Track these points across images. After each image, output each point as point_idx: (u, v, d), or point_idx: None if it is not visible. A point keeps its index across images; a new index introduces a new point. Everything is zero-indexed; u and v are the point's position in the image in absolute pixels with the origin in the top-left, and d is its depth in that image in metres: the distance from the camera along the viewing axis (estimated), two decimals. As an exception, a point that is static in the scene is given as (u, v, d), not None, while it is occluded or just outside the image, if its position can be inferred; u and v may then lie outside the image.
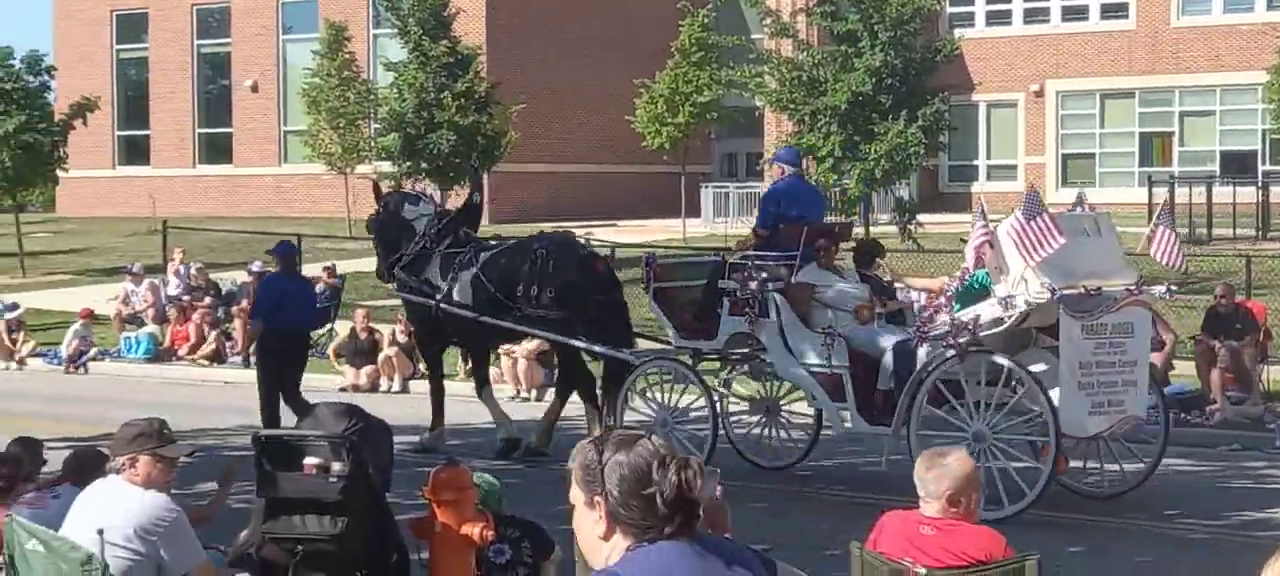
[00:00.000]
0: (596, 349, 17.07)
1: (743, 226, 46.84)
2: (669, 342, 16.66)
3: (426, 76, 37.55)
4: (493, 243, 18.53)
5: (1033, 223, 13.81)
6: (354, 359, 24.62)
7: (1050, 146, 50.11)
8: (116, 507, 7.65)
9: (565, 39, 52.79)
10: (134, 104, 57.48)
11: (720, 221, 47.36)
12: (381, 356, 24.36)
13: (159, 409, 18.63)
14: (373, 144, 41.37)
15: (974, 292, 14.71)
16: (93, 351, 26.76)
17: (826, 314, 15.37)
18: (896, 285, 16.50)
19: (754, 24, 43.69)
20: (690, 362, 16.18)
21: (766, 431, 17.02)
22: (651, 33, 49.57)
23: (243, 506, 12.86)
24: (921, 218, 32.42)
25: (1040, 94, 49.87)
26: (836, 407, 15.29)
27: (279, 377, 18.02)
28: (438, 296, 17.93)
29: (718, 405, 16.04)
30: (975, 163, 51.08)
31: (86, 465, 10.45)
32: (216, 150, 56.01)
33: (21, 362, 26.65)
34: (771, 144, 43.35)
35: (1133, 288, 14.54)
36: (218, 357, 26.55)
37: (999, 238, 14.17)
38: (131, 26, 57.28)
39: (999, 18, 50.47)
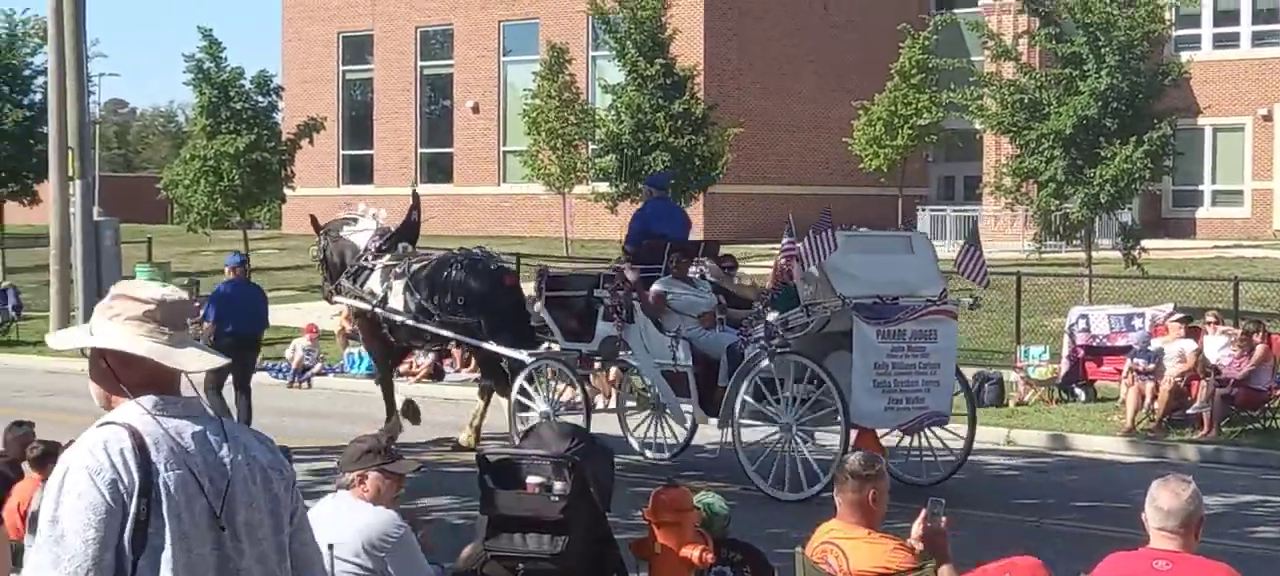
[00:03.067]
0: (498, 350, 18.91)
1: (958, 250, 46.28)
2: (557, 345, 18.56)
3: (643, 97, 37.73)
4: (422, 254, 20.34)
5: (818, 237, 15.79)
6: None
7: (1278, 171, 48.78)
8: (345, 524, 7.75)
9: (782, 60, 52.68)
10: (358, 124, 58.59)
11: (937, 244, 46.90)
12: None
13: (379, 424, 19.08)
14: (591, 164, 41.67)
15: (789, 300, 16.70)
16: (317, 367, 27.25)
17: (676, 319, 17.31)
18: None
19: (975, 46, 43.17)
20: (571, 362, 18.07)
21: (652, 426, 18.80)
22: (870, 55, 49.26)
23: (464, 523, 13.02)
24: (1145, 243, 31.72)
25: (1268, 118, 48.57)
26: (680, 402, 17.30)
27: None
28: (374, 302, 19.96)
29: (590, 399, 18.09)
30: (1199, 188, 49.93)
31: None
32: (438, 170, 56.85)
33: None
34: (990, 167, 42.80)
35: (934, 299, 16.27)
36: (436, 374, 26.85)
37: (801, 252, 15.99)
38: (357, 48, 58.42)
39: (1226, 41, 49.30)
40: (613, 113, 38.87)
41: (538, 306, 18.70)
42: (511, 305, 19.17)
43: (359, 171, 58.33)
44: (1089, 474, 18.29)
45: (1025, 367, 23.64)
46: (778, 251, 16.97)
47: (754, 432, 16.68)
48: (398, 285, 19.80)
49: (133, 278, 21.33)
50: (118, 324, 4.43)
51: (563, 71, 43.91)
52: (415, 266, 19.81)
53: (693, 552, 8.87)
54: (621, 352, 17.85)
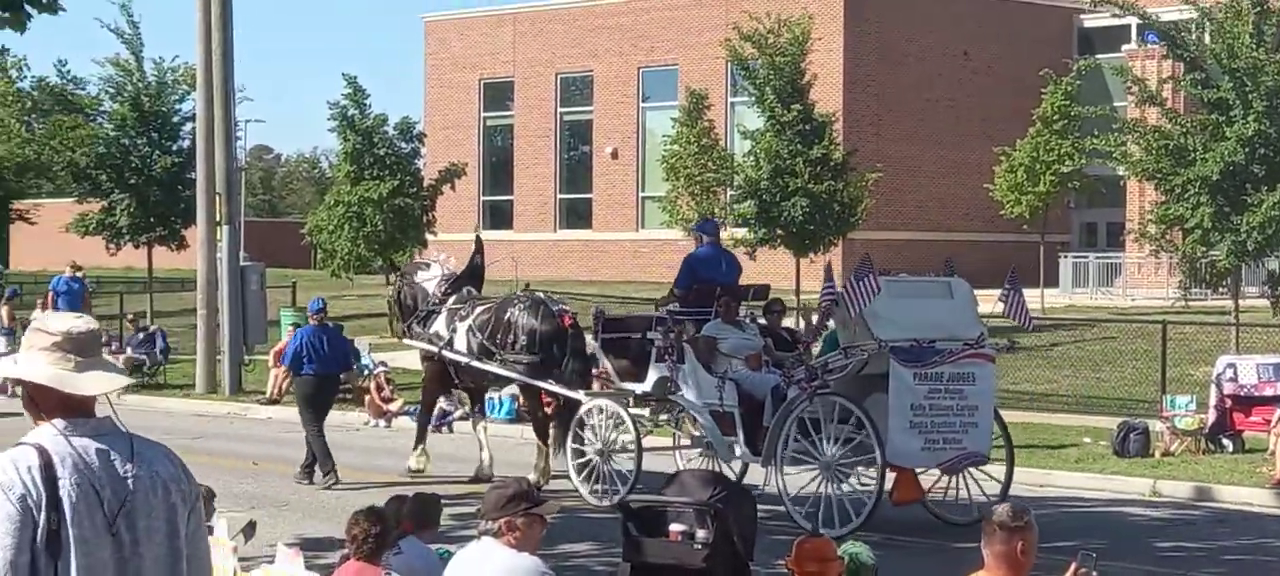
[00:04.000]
0: (556, 389, 19.66)
1: (1103, 297, 45.77)
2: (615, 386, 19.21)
3: (782, 143, 37.67)
4: (485, 299, 21.16)
5: (860, 283, 16.49)
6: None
7: None
8: (490, 570, 7.75)
9: (922, 105, 52.46)
10: (498, 170, 59.09)
11: (1079, 292, 46.36)
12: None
13: (520, 469, 19.24)
14: (729, 210, 41.65)
15: (832, 344, 17.70)
16: (459, 412, 27.42)
17: (724, 361, 17.99)
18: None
19: (1118, 92, 42.65)
20: (627, 404, 18.69)
21: (706, 464, 18.62)
22: (1012, 100, 48.89)
23: (606, 570, 13.06)
24: (1293, 291, 31.12)
25: None
26: (727, 441, 17.78)
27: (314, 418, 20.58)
28: (440, 344, 20.71)
29: (642, 441, 18.47)
30: (1351, 235, 48.89)
31: (427, 511, 10.74)
32: (576, 215, 57.16)
33: (390, 420, 27.50)
34: (1135, 213, 42.25)
35: (971, 342, 16.83)
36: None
37: (842, 297, 16.73)
38: (498, 94, 58.95)
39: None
40: (751, 158, 38.83)
41: (595, 347, 19.52)
42: (570, 346, 19.72)
43: (499, 217, 58.81)
44: (1237, 526, 17.97)
45: (1171, 417, 23.28)
46: (818, 296, 17.79)
47: (797, 474, 17.21)
48: (462, 327, 20.56)
49: (277, 322, 21.95)
50: (31, 354, 5.01)
51: (701, 117, 43.94)
52: (479, 309, 20.56)
53: (836, 603, 8.79)
54: (672, 393, 18.37)
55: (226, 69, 31.92)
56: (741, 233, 39.25)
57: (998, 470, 17.69)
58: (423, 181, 43.33)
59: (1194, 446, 22.74)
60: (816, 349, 18.79)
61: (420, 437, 21.32)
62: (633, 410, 18.80)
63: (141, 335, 34.02)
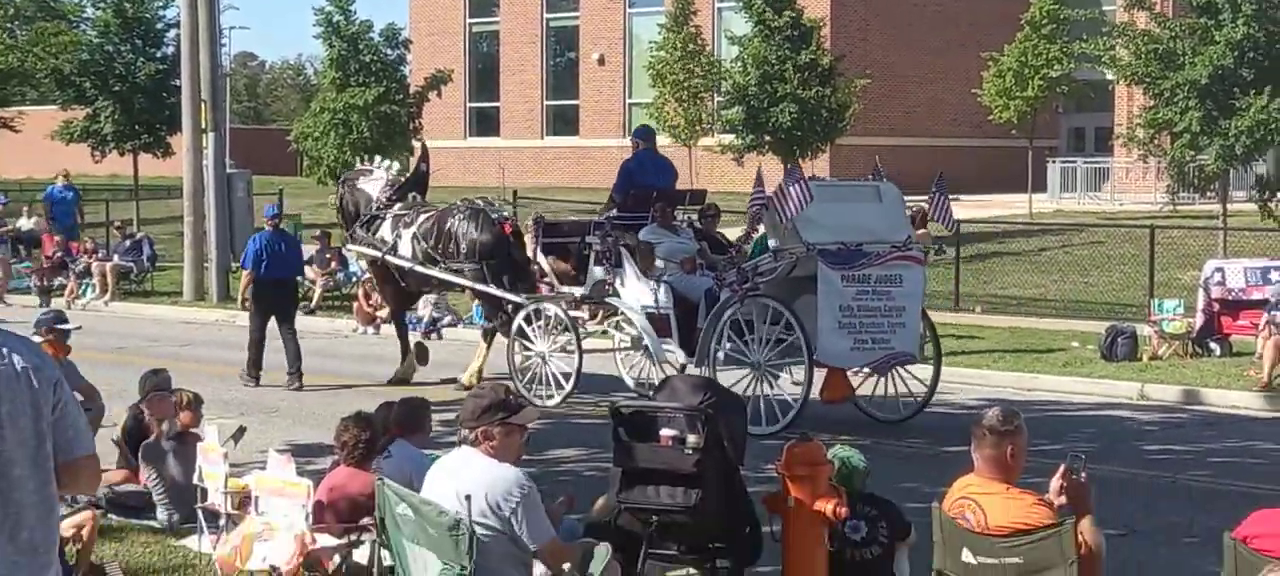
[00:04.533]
0: (498, 293, 20.03)
1: (1091, 202, 45.77)
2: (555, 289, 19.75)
3: (770, 49, 37.56)
4: (428, 205, 21.40)
5: (790, 188, 16.79)
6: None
7: None
8: (471, 479, 7.75)
9: (909, 11, 52.25)
10: (484, 77, 58.86)
11: (1067, 197, 46.38)
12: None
13: (600, 384, 19.38)
14: (716, 117, 41.58)
15: (763, 248, 18.10)
16: (447, 318, 27.43)
17: (660, 264, 18.40)
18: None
19: (1106, -5, 42.56)
20: (567, 306, 19.22)
21: (645, 366, 19.70)
22: (999, 5, 48.71)
23: (596, 474, 13.08)
24: (1282, 195, 31.15)
25: None
26: (662, 343, 18.27)
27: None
28: (384, 249, 21.22)
29: (582, 343, 18.97)
30: (1339, 139, 48.91)
31: (415, 415, 10.77)
32: (563, 122, 57.01)
33: (378, 327, 27.49)
34: (1123, 117, 42.22)
35: (898, 245, 17.22)
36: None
37: (772, 201, 16.99)
38: (483, 1, 58.62)
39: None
40: (739, 64, 38.73)
41: (534, 251, 20.11)
42: (510, 253, 20.23)
43: (485, 124, 58.64)
44: (1224, 429, 18.03)
45: (1159, 321, 23.32)
46: (748, 201, 18.05)
47: (730, 374, 17.32)
48: (406, 233, 21.00)
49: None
50: None
51: (688, 23, 43.83)
52: (423, 216, 20.94)
53: (826, 506, 8.83)
54: (609, 296, 18.94)
55: (210, -26, 31.67)
56: (729, 139, 39.19)
57: (926, 371, 18.12)
58: (408, 88, 43.07)
59: (1182, 350, 22.80)
60: (748, 252, 19.22)
61: (404, 347, 21.48)
62: (572, 313, 19.33)
63: (128, 243, 33.89)
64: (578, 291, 19.41)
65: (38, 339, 13.94)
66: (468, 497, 7.59)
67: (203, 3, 31.69)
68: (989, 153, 50.93)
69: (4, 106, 49.28)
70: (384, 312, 27.80)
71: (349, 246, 23.23)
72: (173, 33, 40.89)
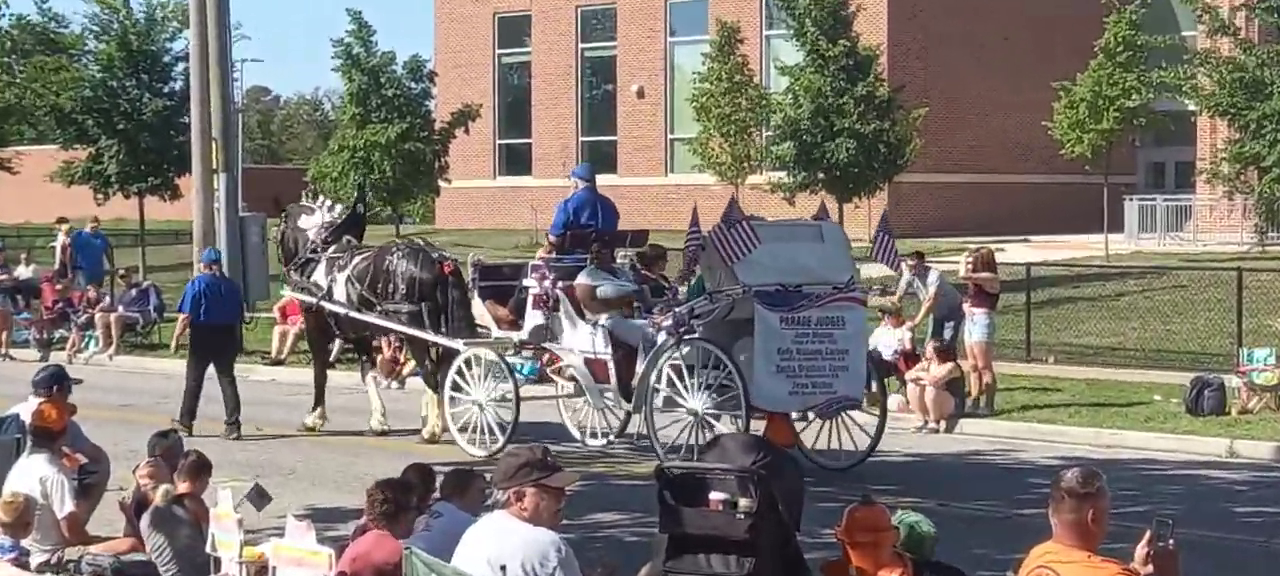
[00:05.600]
0: (435, 339, 20.52)
1: (1172, 242, 45.59)
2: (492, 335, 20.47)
3: (824, 80, 37.58)
4: (365, 248, 22.08)
5: (732, 230, 17.66)
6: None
7: None
8: (504, 545, 7.73)
9: (974, 38, 52.22)
10: (515, 111, 59.01)
11: (1146, 237, 46.20)
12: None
13: (540, 431, 19.38)
14: (766, 153, 41.58)
15: (700, 290, 18.91)
16: (408, 366, 27.41)
17: (600, 308, 19.13)
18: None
19: (1187, 21, 42.48)
20: (505, 353, 20.07)
21: (589, 412, 20.40)
22: (1071, 32, 48.63)
23: (639, 541, 13.04)
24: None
25: None
26: (600, 388, 19.13)
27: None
28: (318, 294, 21.83)
29: (520, 390, 19.75)
30: None
31: (465, 482, 10.80)
32: (600, 158, 57.07)
33: (402, 382, 27.51)
34: (1206, 150, 42.05)
35: (841, 287, 18.03)
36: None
37: (709, 241, 17.91)
38: (514, 30, 58.85)
39: None
40: (790, 96, 38.75)
41: (473, 295, 20.81)
42: (451, 294, 20.70)
43: (516, 162, 58.78)
44: (1322, 489, 17.90)
45: (1249, 372, 23.16)
46: (684, 242, 18.71)
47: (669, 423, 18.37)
48: (340, 277, 21.65)
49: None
50: None
51: (734, 52, 43.87)
52: (358, 259, 21.60)
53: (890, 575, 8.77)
54: (546, 341, 19.81)
55: (222, 3, 31.88)
56: (779, 176, 39.18)
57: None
58: (434, 124, 43.33)
59: (1274, 403, 22.65)
60: (682, 293, 19.87)
61: (319, 397, 22.10)
62: (511, 359, 20.27)
63: (134, 292, 33.96)
64: (516, 336, 20.08)
65: (37, 399, 14.00)
66: (502, 567, 7.58)
67: (214, 34, 31.86)
68: (1061, 190, 50.80)
69: (1, 146, 49.51)
70: (408, 368, 27.87)
71: (283, 290, 24.26)
72: (181, 66, 41.08)
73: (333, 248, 22.22)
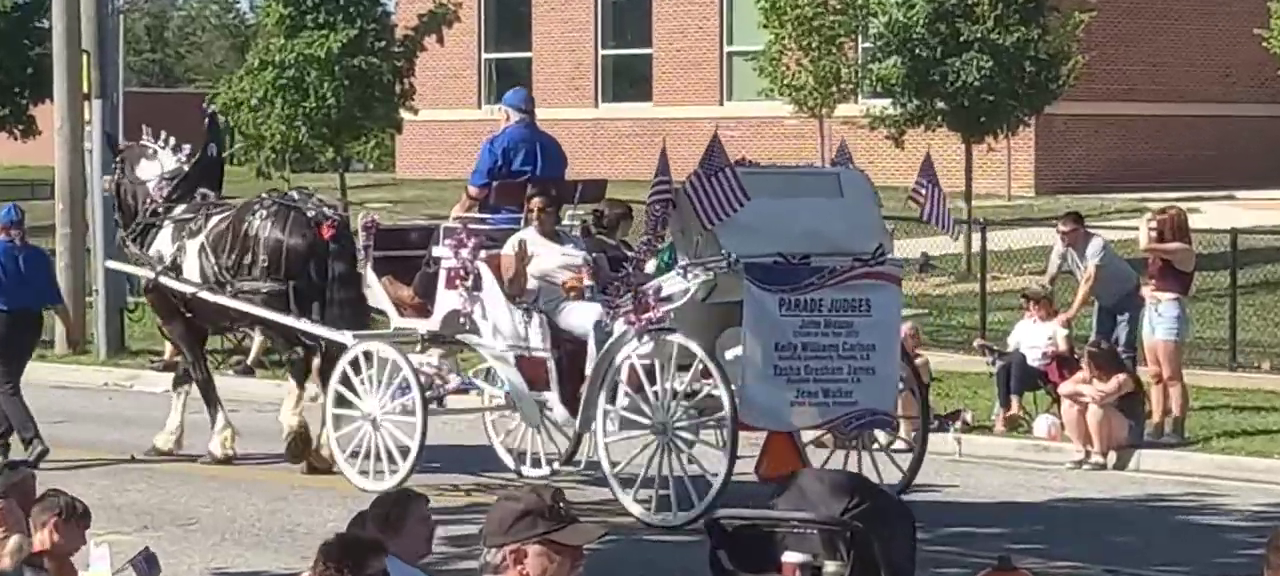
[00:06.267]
0: (310, 329, 20.99)
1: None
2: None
3: (945, -28, 37.59)
4: (226, 204, 22.46)
5: (714, 179, 17.64)
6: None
7: None
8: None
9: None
10: (508, 13, 58.98)
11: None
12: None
13: (463, 458, 19.43)
14: (864, 72, 41.55)
15: (671, 263, 18.73)
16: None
17: (533, 287, 19.22)
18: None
19: None
20: (409, 349, 20.12)
21: (527, 433, 20.70)
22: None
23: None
24: None
25: None
26: (536, 397, 19.18)
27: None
28: (158, 269, 22.30)
29: (427, 402, 19.72)
30: None
31: (398, 514, 10.87)
32: (628, 81, 57.08)
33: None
34: None
35: (865, 258, 18.00)
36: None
37: (681, 196, 17.94)
38: (507, -103, 58.93)
39: None
40: (897, -5, 38.72)
41: (364, 268, 20.99)
42: (333, 267, 21.07)
43: (510, 85, 58.59)
44: None
45: None
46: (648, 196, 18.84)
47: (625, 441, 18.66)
48: (191, 246, 22.02)
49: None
50: None
51: (819, -68, 43.81)
52: (215, 219, 21.96)
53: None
54: (460, 333, 20.01)
55: None
56: (882, 106, 39.15)
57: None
58: (394, 31, 43.35)
59: None
60: (650, 267, 19.50)
61: (211, 407, 22.29)
62: (417, 357, 20.07)
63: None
64: (424, 325, 20.21)
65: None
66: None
67: (85, -97, 31.94)
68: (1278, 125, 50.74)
69: None
70: (454, 381, 28.03)
71: (108, 263, 25.51)
72: (38, -52, 41.25)
73: (182, 206, 22.54)
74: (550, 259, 19.34)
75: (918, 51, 37.34)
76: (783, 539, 9.56)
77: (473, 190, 20.74)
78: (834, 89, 42.70)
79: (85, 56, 32.20)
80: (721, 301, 18.05)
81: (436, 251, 19.90)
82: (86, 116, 32.25)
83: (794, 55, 43.05)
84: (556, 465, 20.41)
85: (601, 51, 57.39)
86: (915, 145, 35.11)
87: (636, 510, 18.08)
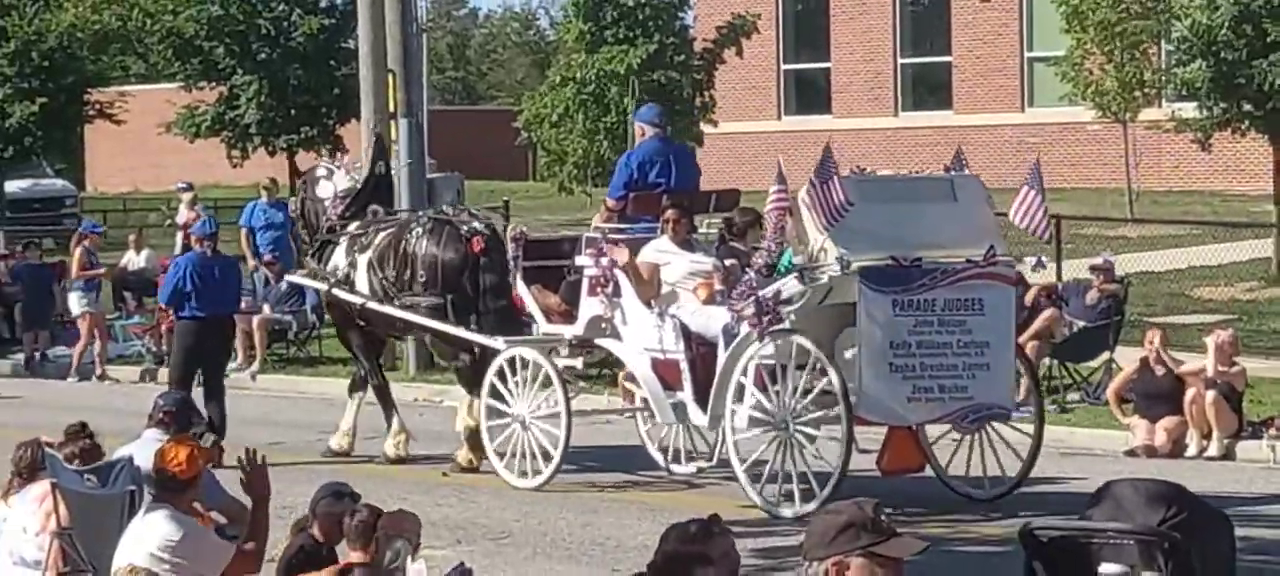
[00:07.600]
0: (468, 336, 22.16)
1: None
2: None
3: (1251, -27, 37.09)
4: (389, 222, 23.68)
5: (826, 186, 18.34)
6: (1147, 405, 24.44)
7: None
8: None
9: None
10: (806, 25, 58.96)
11: None
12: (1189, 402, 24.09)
13: (615, 456, 19.47)
14: (1168, 76, 41.10)
15: (790, 267, 19.33)
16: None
17: (668, 292, 20.16)
18: None
19: None
20: (551, 353, 21.16)
21: (677, 429, 21.62)
22: None
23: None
24: None
25: None
26: (669, 398, 20.09)
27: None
28: (331, 281, 23.80)
29: (570, 403, 20.86)
30: None
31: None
32: (928, 89, 56.89)
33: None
34: None
35: (977, 260, 18.75)
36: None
37: (798, 204, 18.74)
38: (804, -91, 58.91)
39: None
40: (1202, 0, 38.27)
41: (514, 278, 22.09)
42: (484, 279, 22.21)
43: (809, 97, 58.80)
44: None
45: None
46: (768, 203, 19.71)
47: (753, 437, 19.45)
48: (361, 261, 23.31)
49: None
50: None
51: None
52: (382, 236, 23.27)
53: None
54: (599, 337, 20.94)
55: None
56: (1187, 110, 38.73)
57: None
58: (693, 44, 43.45)
59: None
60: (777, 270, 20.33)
61: (387, 410, 23.70)
62: (563, 361, 21.33)
63: (284, 286, 33.69)
64: (569, 331, 21.27)
65: (157, 436, 14.29)
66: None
67: (388, -75, 32.31)
68: None
69: (101, 87, 50.16)
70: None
71: (289, 277, 27.38)
72: (344, -27, 41.73)
73: (355, 222, 23.90)
74: (682, 266, 20.20)
75: (1221, 55, 36.86)
76: (1099, 550, 9.49)
77: (611, 202, 21.86)
78: (1137, 93, 42.31)
79: (391, 76, 32.56)
80: (839, 303, 18.82)
81: (579, 260, 20.98)
82: (393, 135, 32.59)
83: (1097, 60, 42.71)
84: (702, 464, 21.44)
85: (900, 60, 57.25)
86: (1222, 149, 34.73)
87: (762, 503, 18.95)
